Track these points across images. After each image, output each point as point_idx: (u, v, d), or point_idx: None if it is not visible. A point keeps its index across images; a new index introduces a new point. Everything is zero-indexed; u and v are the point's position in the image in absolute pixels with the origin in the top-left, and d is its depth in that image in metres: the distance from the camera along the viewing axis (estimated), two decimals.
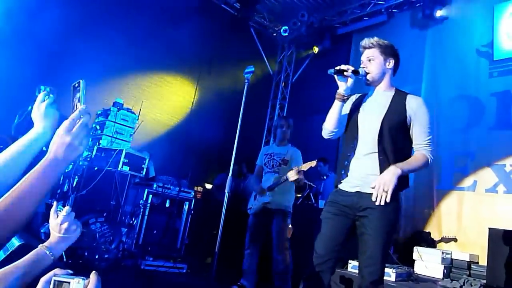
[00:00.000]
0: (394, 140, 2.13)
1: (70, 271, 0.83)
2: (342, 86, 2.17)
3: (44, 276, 0.83)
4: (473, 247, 4.28)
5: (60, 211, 1.24)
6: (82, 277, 0.81)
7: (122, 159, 4.30)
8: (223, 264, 3.46)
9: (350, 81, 2.16)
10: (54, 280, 0.81)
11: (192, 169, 6.24)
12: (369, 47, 2.27)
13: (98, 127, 4.75)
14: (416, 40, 5.57)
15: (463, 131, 4.92)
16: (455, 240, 4.61)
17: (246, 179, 5.81)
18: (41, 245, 1.14)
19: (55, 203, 1.28)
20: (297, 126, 4.03)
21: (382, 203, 1.96)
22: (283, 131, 3.86)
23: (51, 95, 1.26)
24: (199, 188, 6.45)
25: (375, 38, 2.27)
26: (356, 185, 2.15)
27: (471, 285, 3.40)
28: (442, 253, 4.05)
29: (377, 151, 2.13)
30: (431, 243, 4.73)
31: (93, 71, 5.09)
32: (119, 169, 4.27)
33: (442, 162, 4.99)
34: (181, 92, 6.67)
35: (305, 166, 3.42)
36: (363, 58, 2.29)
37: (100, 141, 4.58)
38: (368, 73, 2.23)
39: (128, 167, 4.37)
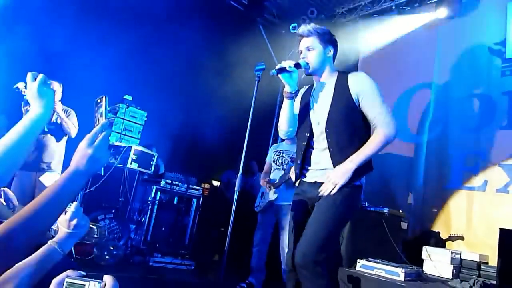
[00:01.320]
0: (344, 129, 2.07)
1: (83, 273, 0.83)
2: (288, 84, 2.13)
3: (56, 277, 0.82)
4: (483, 247, 4.23)
5: (68, 207, 1.25)
6: (98, 281, 0.80)
7: (131, 156, 4.32)
8: (231, 261, 3.46)
9: (294, 76, 2.11)
10: (67, 282, 0.80)
11: (200, 166, 6.25)
12: (308, 35, 2.18)
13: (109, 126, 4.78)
14: (427, 38, 5.50)
15: (474, 130, 4.85)
16: (462, 238, 4.57)
17: (254, 176, 5.81)
18: (50, 241, 1.15)
19: None
20: None
21: (326, 194, 1.98)
22: None
23: (40, 74, 1.25)
24: (206, 185, 6.46)
25: (312, 25, 2.19)
26: (315, 176, 2.16)
27: (481, 286, 3.36)
28: (452, 253, 4.01)
29: (327, 146, 2.10)
30: (440, 243, 4.69)
31: (101, 67, 5.11)
32: (127, 165, 4.29)
33: (452, 161, 4.93)
34: (190, 89, 6.67)
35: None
36: (302, 47, 2.21)
37: (109, 138, 4.61)
38: (308, 63, 2.16)
39: (137, 164, 4.39)
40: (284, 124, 2.23)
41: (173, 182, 4.63)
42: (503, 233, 3.54)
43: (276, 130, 7.20)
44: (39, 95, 1.24)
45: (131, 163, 4.32)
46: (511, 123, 4.60)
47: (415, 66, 5.54)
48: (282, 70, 2.08)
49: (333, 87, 2.15)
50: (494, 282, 3.48)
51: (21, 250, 0.95)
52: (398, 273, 3.23)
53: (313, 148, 2.19)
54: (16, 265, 0.97)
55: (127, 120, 4.78)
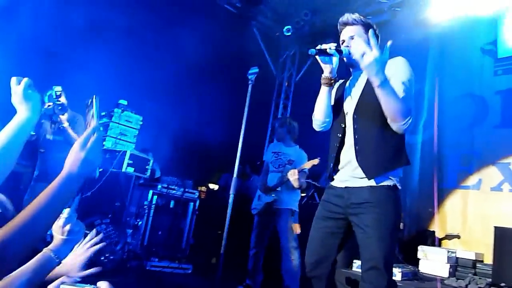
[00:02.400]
0: (373, 119, 1.88)
1: (78, 279, 0.83)
2: (327, 68, 1.99)
3: (51, 284, 0.82)
4: (478, 245, 4.26)
5: (62, 213, 1.25)
6: (93, 286, 0.80)
7: (126, 160, 4.32)
8: (228, 264, 3.46)
9: (335, 60, 1.98)
10: None
11: (196, 169, 6.25)
12: (352, 23, 2.07)
13: (101, 128, 4.77)
14: (420, 39, 5.53)
15: (468, 129, 4.89)
16: (458, 237, 4.60)
17: (249, 179, 5.82)
18: (45, 248, 1.15)
19: None
20: (301, 125, 4.03)
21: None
22: (283, 130, 3.88)
23: (25, 78, 1.26)
24: (203, 188, 6.46)
25: (356, 14, 2.08)
26: (345, 179, 1.97)
27: (477, 284, 3.39)
28: (448, 252, 4.04)
29: (353, 142, 1.94)
30: (436, 242, 4.72)
31: (95, 72, 5.11)
32: (123, 170, 4.29)
33: (447, 160, 4.97)
34: (185, 93, 6.68)
35: (308, 164, 3.43)
36: (345, 36, 2.07)
37: (104, 143, 4.60)
38: (351, 52, 1.92)
39: (133, 168, 4.39)
40: (321, 113, 2.06)
41: (169, 186, 4.64)
42: (498, 231, 3.58)
43: (272, 133, 7.26)
44: (24, 99, 1.25)
45: (126, 168, 4.31)
46: (504, 122, 4.64)
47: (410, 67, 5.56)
48: (322, 52, 1.93)
49: (366, 77, 1.92)
50: (490, 279, 3.51)
51: (16, 258, 0.95)
52: (394, 273, 3.25)
53: (343, 147, 2.01)
54: (12, 273, 0.98)
55: (122, 125, 4.78)
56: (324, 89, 2.03)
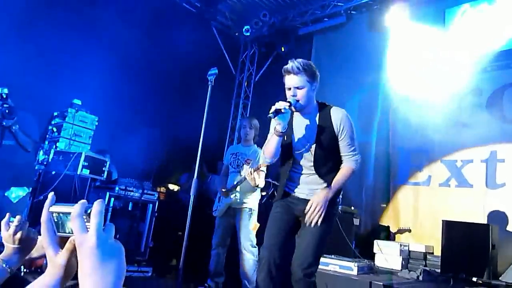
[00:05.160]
0: (327, 156, 2.34)
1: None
2: (281, 124, 2.23)
3: (42, 215, 0.75)
4: (429, 238, 4.51)
5: (11, 222, 1.19)
6: (82, 202, 0.71)
7: (81, 162, 4.16)
8: (189, 265, 3.42)
9: (287, 116, 2.23)
10: (55, 214, 0.72)
11: (155, 170, 6.14)
12: (297, 73, 2.26)
13: (55, 129, 4.57)
14: (374, 42, 5.76)
15: (418, 128, 5.15)
16: (409, 230, 4.85)
17: (207, 179, 5.80)
18: None
19: (7, 214, 1.23)
20: (260, 125, 4.07)
21: (312, 225, 2.23)
22: (246, 131, 3.90)
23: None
24: (162, 189, 6.36)
25: (300, 61, 2.27)
26: (304, 193, 2.39)
27: (428, 275, 3.58)
28: (400, 245, 4.24)
29: (314, 171, 2.35)
30: (390, 236, 4.94)
31: (48, 70, 4.89)
32: (78, 172, 4.13)
33: (399, 158, 5.21)
34: (142, 92, 6.54)
35: (264, 163, 3.46)
36: (290, 84, 2.29)
37: (58, 144, 4.42)
38: (298, 100, 2.27)
39: (88, 170, 4.24)
40: (271, 154, 2.39)
41: (127, 187, 4.52)
42: (446, 224, 3.80)
43: (232, 132, 7.28)
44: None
45: (82, 170, 4.16)
46: (451, 121, 4.93)
47: (363, 69, 5.78)
48: (278, 112, 2.18)
49: (317, 119, 2.35)
50: (439, 270, 3.73)
51: None
52: (351, 268, 3.37)
53: (297, 171, 2.42)
54: None
55: (77, 125, 4.59)
56: (275, 138, 2.31)
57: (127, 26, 5.79)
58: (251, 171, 3.42)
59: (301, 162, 2.40)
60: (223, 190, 3.78)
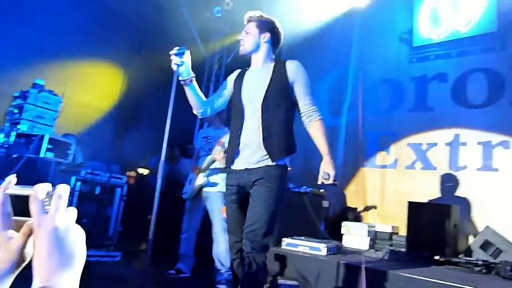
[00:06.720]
0: (278, 110, 2.20)
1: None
2: (180, 73, 2.21)
3: None
4: (395, 219, 4.65)
5: None
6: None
7: (44, 145, 4.00)
8: (158, 249, 3.39)
9: (182, 68, 2.18)
10: (10, 195, 0.64)
11: (124, 154, 6.00)
12: (248, 21, 2.37)
13: (16, 110, 4.37)
14: (344, 27, 5.78)
15: (386, 113, 5.26)
16: (375, 207, 5.01)
17: (178, 162, 5.72)
18: None
19: None
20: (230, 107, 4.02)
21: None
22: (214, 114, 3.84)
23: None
24: (132, 173, 6.24)
25: (255, 12, 2.36)
26: (245, 162, 2.21)
27: (393, 254, 3.70)
28: (368, 226, 4.36)
29: (260, 124, 2.19)
30: (358, 218, 5.07)
31: (9, 48, 4.64)
32: (41, 155, 3.97)
33: (367, 142, 5.32)
34: (109, 74, 6.34)
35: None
36: (243, 31, 2.38)
37: (19, 126, 4.22)
38: (243, 45, 2.34)
39: (53, 153, 4.08)
40: (194, 106, 2.35)
41: (94, 171, 4.40)
42: (411, 205, 3.93)
43: None
44: None
45: (45, 153, 4.00)
46: (417, 106, 5.06)
47: (333, 54, 5.82)
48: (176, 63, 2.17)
49: (271, 70, 2.28)
50: (404, 249, 3.86)
51: None
52: (320, 248, 3.44)
53: (242, 132, 2.24)
54: None
55: (40, 107, 4.40)
56: (185, 88, 2.27)
57: (95, 5, 5.56)
58: (221, 151, 3.38)
59: (247, 117, 2.24)
60: (195, 168, 3.73)
